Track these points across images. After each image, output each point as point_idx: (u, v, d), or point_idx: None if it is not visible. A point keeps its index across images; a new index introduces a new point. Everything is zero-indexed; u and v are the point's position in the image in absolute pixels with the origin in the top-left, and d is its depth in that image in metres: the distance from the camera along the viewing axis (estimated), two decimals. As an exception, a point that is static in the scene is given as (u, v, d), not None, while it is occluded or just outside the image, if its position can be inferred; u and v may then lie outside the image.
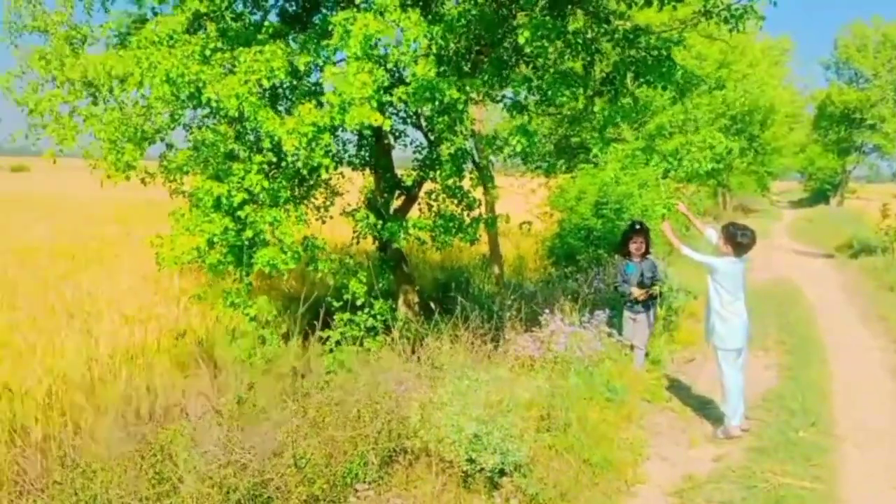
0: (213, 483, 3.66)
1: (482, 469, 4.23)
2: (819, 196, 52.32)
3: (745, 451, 5.79)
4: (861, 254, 19.02)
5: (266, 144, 6.31)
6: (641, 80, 7.20)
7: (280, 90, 7.80)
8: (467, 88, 6.41)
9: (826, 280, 15.60)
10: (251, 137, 7.29)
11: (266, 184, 6.30)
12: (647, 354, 7.76)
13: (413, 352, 7.06)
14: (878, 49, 38.39)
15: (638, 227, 7.48)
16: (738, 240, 5.96)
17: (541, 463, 4.71)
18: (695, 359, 8.44)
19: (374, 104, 5.55)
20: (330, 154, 7.18)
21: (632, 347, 7.49)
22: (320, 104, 6.39)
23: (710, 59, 20.09)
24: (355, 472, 4.28)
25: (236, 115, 6.28)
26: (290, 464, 3.94)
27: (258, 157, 6.58)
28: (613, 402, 6.32)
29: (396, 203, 8.79)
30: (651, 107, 14.81)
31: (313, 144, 6.30)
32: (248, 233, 6.40)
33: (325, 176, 8.46)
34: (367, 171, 9.06)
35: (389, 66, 6.71)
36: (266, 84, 6.26)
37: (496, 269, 13.20)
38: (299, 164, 6.48)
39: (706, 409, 6.92)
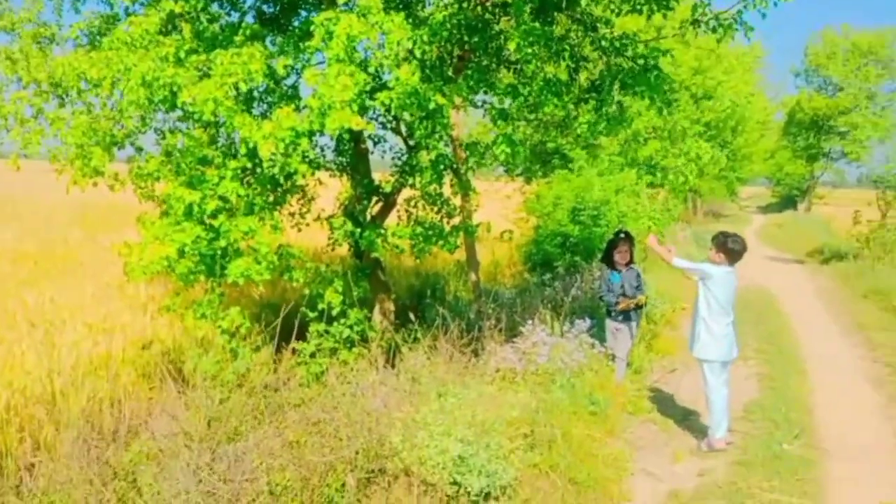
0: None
1: (467, 492, 4.06)
2: (787, 201, 53.13)
3: (731, 465, 5.70)
4: (832, 260, 19.25)
5: (242, 150, 6.07)
6: (628, 89, 7.09)
7: (257, 94, 7.58)
8: (452, 95, 6.24)
9: (800, 287, 15.70)
10: (226, 142, 7.06)
11: (242, 191, 6.06)
12: (628, 365, 7.66)
13: (390, 363, 6.88)
14: (847, 57, 39.02)
15: (623, 235, 7.37)
16: (730, 246, 5.86)
17: (526, 483, 4.56)
18: (676, 369, 8.37)
19: (356, 108, 5.35)
20: (308, 160, 6.98)
21: (613, 358, 7.38)
22: (299, 108, 6.18)
23: (684, 65, 20.17)
24: (332, 497, 4.08)
25: (212, 119, 6.04)
26: (263, 490, 3.72)
27: (233, 163, 6.34)
28: (597, 416, 6.20)
29: (374, 210, 8.59)
30: (631, 118, 14.79)
31: (290, 150, 6.09)
32: (222, 242, 6.15)
33: (301, 182, 8.25)
34: (345, 176, 8.86)
35: (371, 69, 6.52)
36: (243, 87, 6.02)
37: (473, 276, 13.06)
38: (275, 169, 6.25)
39: (689, 420, 6.83)
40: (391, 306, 9.44)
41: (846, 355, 9.36)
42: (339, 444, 4.59)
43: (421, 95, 5.81)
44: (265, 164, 5.66)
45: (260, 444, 4.33)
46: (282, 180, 7.11)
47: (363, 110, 5.99)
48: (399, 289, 13.77)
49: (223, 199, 6.16)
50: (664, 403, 7.26)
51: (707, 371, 6.09)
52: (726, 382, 6.17)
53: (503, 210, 18.35)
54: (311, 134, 6.08)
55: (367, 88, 5.79)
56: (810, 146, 42.79)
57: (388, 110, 6.90)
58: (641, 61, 6.94)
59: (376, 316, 9.22)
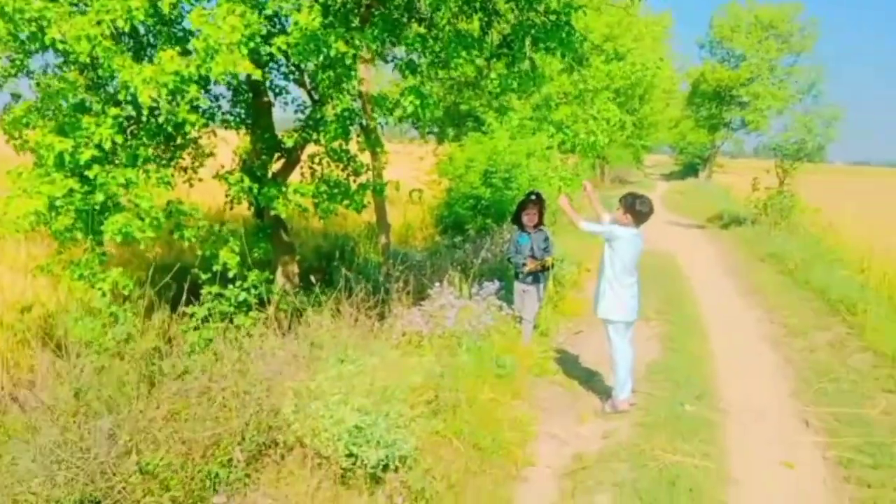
0: (31, 495, 3.04)
1: (364, 465, 3.82)
2: (689, 169, 55.13)
3: (634, 427, 5.70)
4: (731, 225, 20.00)
5: (123, 96, 5.50)
6: (540, 45, 6.87)
7: (145, 37, 6.94)
8: (356, 42, 5.85)
9: (700, 251, 16.20)
10: (109, 89, 6.43)
11: (120, 139, 5.50)
12: (535, 327, 7.59)
13: (291, 328, 6.52)
14: (750, 30, 40.34)
15: (534, 197, 7.22)
16: (638, 208, 5.81)
17: (428, 452, 4.36)
18: (582, 331, 8.39)
19: (245, 51, 4.89)
20: (198, 109, 6.46)
21: (521, 320, 7.28)
22: (187, 52, 5.65)
23: (596, 31, 20.23)
24: (215, 473, 3.75)
25: (88, 60, 5.44)
26: (134, 470, 3.36)
27: (113, 111, 5.76)
28: (503, 379, 6.09)
29: (276, 166, 8.11)
30: (543, 76, 14.67)
31: (178, 97, 5.57)
32: (99, 196, 5.60)
33: (193, 134, 7.67)
34: (244, 130, 8.32)
35: (268, 12, 6.05)
36: (123, 26, 5.44)
37: (383, 238, 12.75)
38: (161, 119, 5.72)
39: (593, 381, 6.84)
40: (295, 268, 9.04)
41: (745, 317, 9.64)
42: (227, 414, 4.26)
43: (321, 41, 5.40)
44: (145, 112, 5.12)
45: (136, 417, 3.94)
46: (171, 131, 6.57)
47: (256, 56, 5.54)
48: (306, 250, 13.31)
49: (101, 148, 5.60)
50: (570, 365, 7.24)
51: (611, 331, 6.06)
52: (630, 342, 6.16)
53: (416, 172, 18.07)
54: (201, 81, 5.60)
55: (262, 32, 5.33)
56: (712, 116, 44.26)
57: (287, 57, 6.45)
58: (554, 17, 6.73)
59: (279, 278, 8.80)
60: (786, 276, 12.19)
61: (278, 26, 6.97)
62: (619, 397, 6.08)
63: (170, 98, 5.53)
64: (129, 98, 5.48)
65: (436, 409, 4.87)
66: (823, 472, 4.95)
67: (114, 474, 3.33)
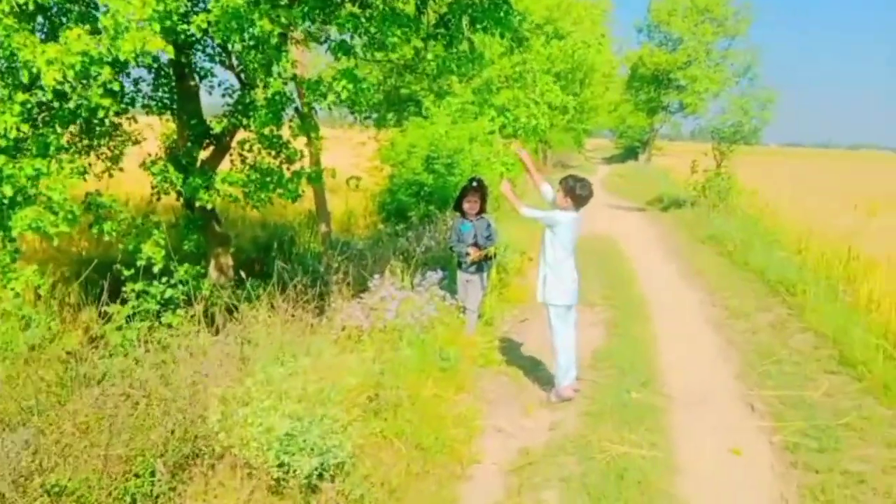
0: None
1: (297, 474, 3.55)
2: (629, 153, 55.95)
3: (580, 417, 5.58)
4: (671, 207, 20.25)
5: (26, 78, 5.05)
6: (478, 24, 6.64)
7: (54, 17, 6.44)
8: (283, 20, 5.50)
9: (642, 234, 16.31)
10: (18, 73, 5.94)
11: (26, 128, 5.05)
12: (480, 317, 7.41)
13: (224, 326, 6.18)
14: (687, 13, 40.92)
15: (475, 184, 7.01)
16: (578, 192, 5.68)
17: (368, 456, 4.13)
18: (527, 319, 8.25)
19: (157, 29, 4.52)
20: (114, 93, 6.02)
21: (465, 310, 7.09)
22: (98, 31, 5.23)
23: (536, 14, 20.12)
24: (132, 492, 3.44)
25: (-15, 40, 4.97)
26: (37, 494, 3.02)
27: (21, 96, 5.30)
28: (447, 372, 5.88)
29: (204, 154, 7.70)
30: (483, 58, 14.46)
31: (89, 80, 5.15)
32: (6, 189, 5.15)
33: (115, 120, 7.22)
34: (169, 116, 7.87)
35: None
36: (26, 2, 4.98)
37: (323, 227, 12.41)
38: (72, 104, 5.29)
39: (539, 371, 6.69)
40: (229, 261, 8.66)
41: (687, 299, 9.67)
42: (149, 423, 3.94)
43: (244, 19, 5.05)
44: (48, 95, 4.70)
45: (45, 430, 3.59)
46: (87, 118, 6.12)
47: (174, 35, 5.15)
48: (243, 241, 12.87)
49: (6, 137, 5.14)
50: (515, 354, 7.09)
51: (553, 316, 5.92)
52: (574, 326, 6.04)
53: (357, 158, 17.69)
54: (117, 63, 5.19)
55: (179, 10, 4.95)
56: (651, 99, 44.86)
57: (212, 38, 6.07)
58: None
59: (212, 272, 8.42)
60: (725, 257, 12.33)
61: (200, 3, 6.56)
62: (563, 384, 5.95)
63: (80, 81, 5.12)
64: (34, 81, 5.05)
65: (376, 408, 4.63)
66: (770, 458, 4.90)
67: (24, 493, 3.00)
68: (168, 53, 5.09)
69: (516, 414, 5.75)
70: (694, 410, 5.76)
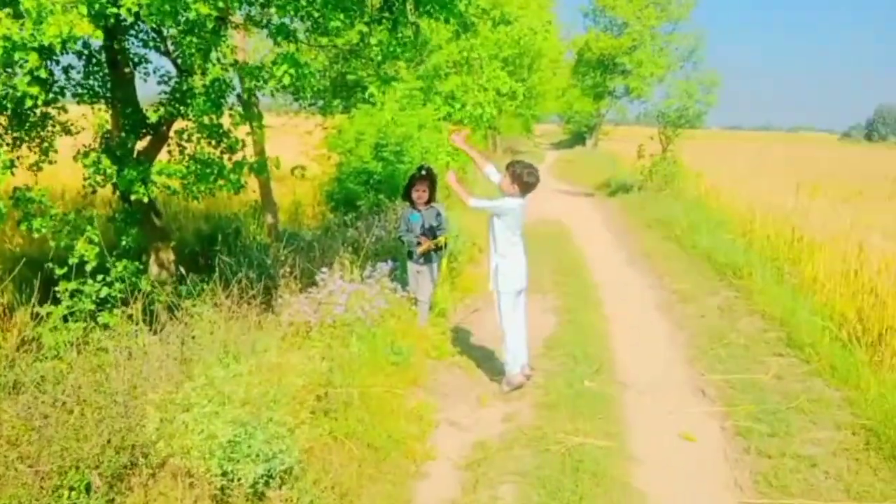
0: None
1: (241, 482, 3.38)
2: (577, 138, 56.41)
3: (535, 408, 5.53)
4: (619, 192, 20.44)
5: (-59, 66, 4.70)
6: (422, 9, 6.46)
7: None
8: (219, 3, 5.23)
9: (590, 219, 16.42)
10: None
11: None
12: (431, 308, 7.29)
13: (167, 325, 5.92)
14: (631, -2, 41.25)
15: (423, 172, 6.86)
16: (526, 179, 5.65)
17: (318, 458, 3.98)
18: (479, 308, 8.17)
19: (84, 11, 4.23)
20: (42, 81, 5.66)
21: (416, 302, 6.96)
22: (20, 15, 4.88)
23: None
24: (74, 501, 3.23)
25: None
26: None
27: (-61, 86, 4.93)
28: (399, 366, 5.75)
29: (141, 144, 7.35)
30: (429, 44, 14.26)
31: (13, 67, 4.83)
32: (-76, 185, 4.80)
33: (45, 111, 6.84)
34: (103, 105, 7.48)
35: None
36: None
37: (269, 218, 12.11)
38: (-7, 93, 4.95)
39: (492, 361, 6.61)
40: (171, 256, 8.32)
41: (636, 284, 9.74)
42: (83, 433, 3.71)
43: (179, 1, 4.78)
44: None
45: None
46: (12, 107, 5.75)
47: (104, 19, 4.85)
48: (187, 234, 12.45)
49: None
50: (468, 345, 7.01)
51: (503, 303, 5.86)
52: (524, 312, 5.99)
53: (304, 147, 17.32)
54: (44, 50, 4.86)
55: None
56: (597, 84, 45.13)
57: (143, 21, 5.74)
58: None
59: (152, 268, 8.09)
60: (673, 241, 12.46)
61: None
62: (513, 371, 5.90)
63: (5, 68, 4.80)
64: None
65: (325, 408, 4.47)
66: (723, 444, 4.93)
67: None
68: (97, 39, 4.79)
69: (470, 406, 5.67)
70: (647, 397, 5.77)
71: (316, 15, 6.56)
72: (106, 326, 5.57)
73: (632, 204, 17.53)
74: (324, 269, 6.34)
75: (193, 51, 6.21)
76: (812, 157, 34.59)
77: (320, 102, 15.35)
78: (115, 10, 5.04)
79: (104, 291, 5.77)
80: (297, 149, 16.53)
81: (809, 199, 12.20)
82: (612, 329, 7.55)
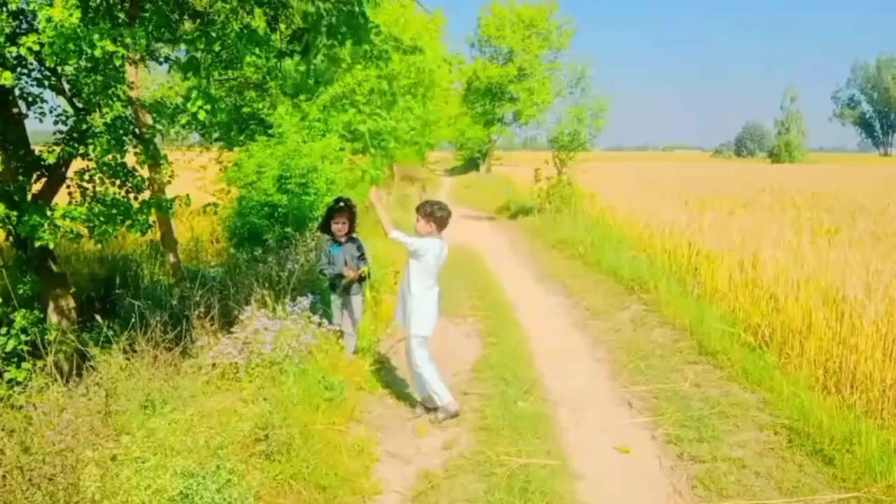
0: None
1: (197, 537, 3.21)
2: (471, 164, 57.56)
3: (474, 433, 5.55)
4: (519, 215, 20.98)
5: None
6: (336, 35, 6.44)
7: None
8: (127, 40, 5.04)
9: (496, 241, 16.75)
10: None
11: None
12: (358, 339, 7.20)
13: (75, 376, 5.55)
14: (514, 28, 42.83)
15: (342, 204, 6.81)
16: (438, 214, 5.75)
17: (269, 503, 3.83)
18: (405, 337, 8.12)
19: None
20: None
21: (342, 334, 6.86)
22: None
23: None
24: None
25: None
26: None
27: None
28: (334, 402, 5.63)
29: (36, 187, 6.93)
30: (336, 71, 14.27)
31: None
32: None
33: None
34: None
35: (12, 7, 5.05)
36: None
37: (171, 257, 11.61)
38: None
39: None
40: (70, 302, 7.85)
41: (550, 303, 10.00)
42: (12, 499, 3.42)
43: (83, 40, 4.57)
44: None
45: None
46: None
47: (4, 60, 4.58)
48: (80, 279, 11.76)
49: None
50: (397, 375, 6.96)
51: (417, 346, 5.87)
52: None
53: (199, 182, 16.79)
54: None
55: (5, 31, 4.40)
56: (486, 112, 46.46)
57: (40, 61, 5.45)
58: (347, 6, 6.32)
59: (51, 316, 7.59)
60: (578, 259, 12.90)
61: (24, 24, 5.90)
62: (445, 401, 5.89)
63: None
64: None
65: (267, 451, 4.32)
66: (657, 452, 5.12)
67: None
68: (6, 80, 4.51)
69: (409, 437, 5.62)
70: (578, 413, 5.91)
71: (218, 49, 6.41)
72: (16, 383, 5.17)
73: (533, 226, 18.02)
74: (248, 307, 6.15)
75: (95, 89, 5.94)
76: (692, 173, 36.74)
77: (225, 136, 14.99)
78: (13, 48, 4.78)
79: (11, 344, 5.36)
80: (194, 184, 16.03)
81: (700, 214, 12.95)
82: (534, 349, 7.71)
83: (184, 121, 5.96)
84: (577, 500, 4.46)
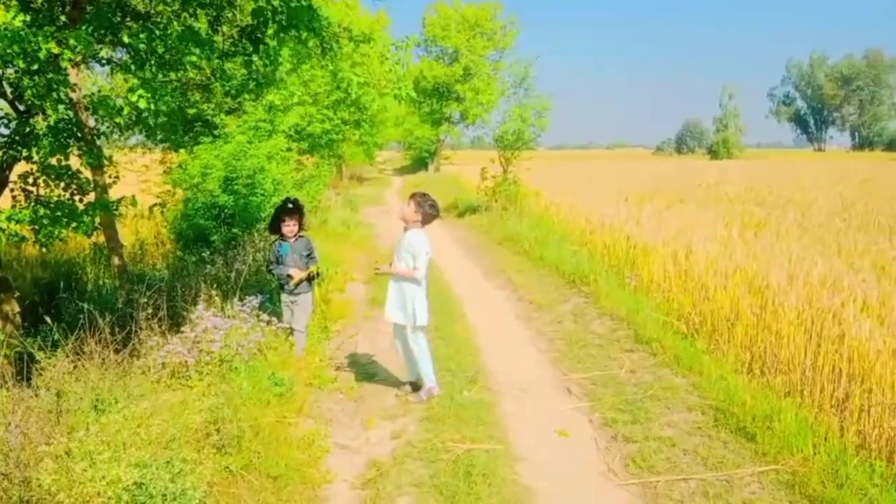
0: None
1: (153, 524, 3.35)
2: (419, 163, 57.78)
3: (421, 422, 5.76)
4: (466, 213, 21.26)
5: None
6: (287, 31, 6.57)
7: None
8: (72, 42, 5.10)
9: (443, 239, 16.95)
10: None
11: None
12: (307, 336, 7.34)
13: (23, 379, 5.57)
14: (459, 28, 43.22)
15: (290, 205, 6.94)
16: (428, 210, 6.22)
17: (222, 492, 3.97)
18: (357, 333, 8.32)
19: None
20: None
21: (292, 332, 6.99)
22: None
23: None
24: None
25: None
26: None
27: None
28: (284, 398, 5.78)
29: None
30: (278, 71, 14.28)
31: None
32: None
33: None
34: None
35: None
36: None
37: (116, 260, 11.51)
38: None
39: (373, 382, 6.83)
40: (15, 307, 7.81)
41: (494, 297, 10.29)
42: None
43: (27, 41, 4.63)
44: None
45: None
46: None
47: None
48: (23, 284, 11.57)
49: None
50: (347, 370, 7.14)
51: (420, 337, 6.25)
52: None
53: (142, 183, 16.60)
54: None
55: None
56: (434, 111, 46.76)
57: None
58: (295, 2, 6.46)
59: (-6, 322, 7.53)
60: (523, 255, 13.24)
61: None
62: (431, 384, 6.25)
63: None
64: None
65: (220, 443, 4.45)
66: (593, 435, 5.43)
67: None
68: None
69: (358, 429, 5.80)
70: (520, 400, 6.19)
71: (162, 51, 6.47)
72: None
73: (480, 224, 18.33)
74: (199, 307, 6.24)
75: (39, 91, 5.94)
76: (633, 170, 37.71)
77: (171, 137, 14.89)
78: (-45, 51, 4.79)
79: (-47, 350, 5.35)
80: (137, 185, 15.86)
81: (638, 209, 13.43)
82: (479, 341, 7.97)
83: (126, 111, 5.99)
84: (517, 481, 4.72)
